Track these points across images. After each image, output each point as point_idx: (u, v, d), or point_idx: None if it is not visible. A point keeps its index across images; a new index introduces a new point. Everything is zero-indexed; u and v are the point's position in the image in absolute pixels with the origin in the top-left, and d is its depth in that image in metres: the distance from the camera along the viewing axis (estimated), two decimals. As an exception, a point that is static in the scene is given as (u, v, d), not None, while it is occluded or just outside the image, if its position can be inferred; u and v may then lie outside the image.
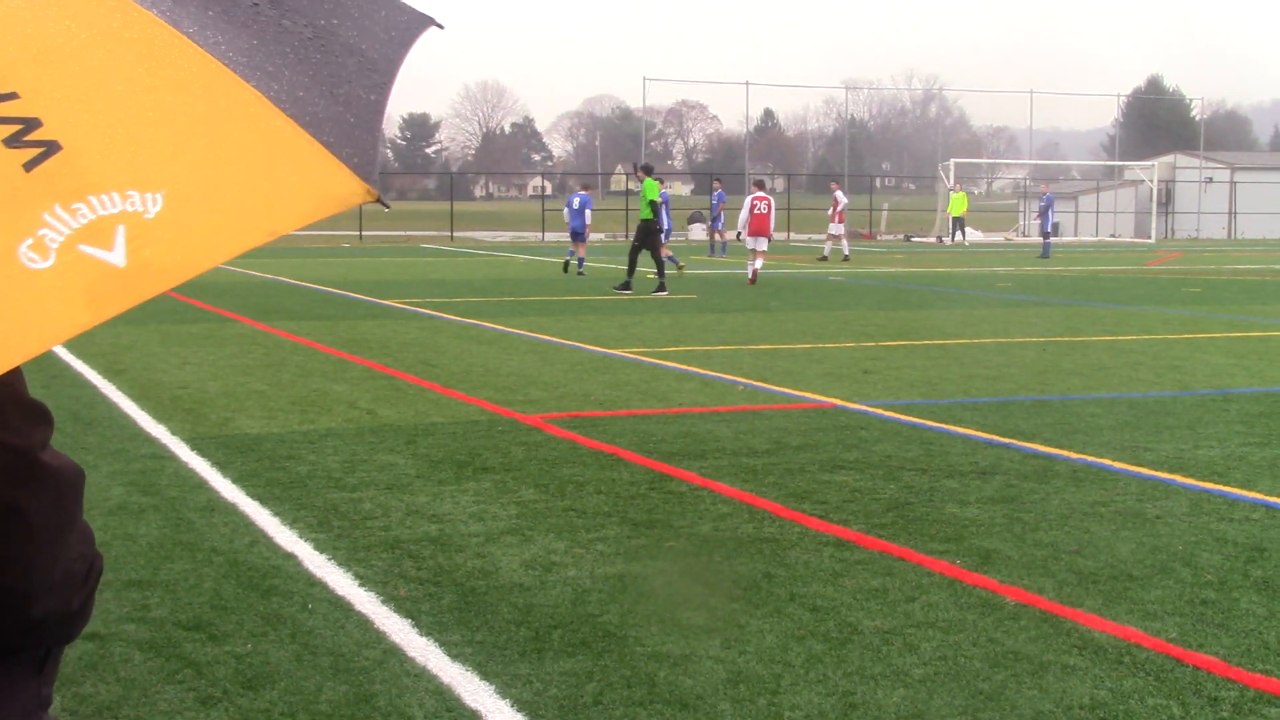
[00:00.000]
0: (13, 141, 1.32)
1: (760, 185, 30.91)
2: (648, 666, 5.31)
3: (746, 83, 65.09)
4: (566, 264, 31.61)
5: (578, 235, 30.85)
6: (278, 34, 1.52)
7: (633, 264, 26.07)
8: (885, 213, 67.00)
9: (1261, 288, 28.78)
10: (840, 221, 38.56)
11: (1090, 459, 9.31)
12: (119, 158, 1.35)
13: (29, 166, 1.32)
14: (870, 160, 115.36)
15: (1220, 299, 25.14)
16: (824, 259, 39.00)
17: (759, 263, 28.49)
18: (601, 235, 62.49)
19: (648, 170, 27.15)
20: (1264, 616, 5.97)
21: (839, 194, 38.52)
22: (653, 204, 25.97)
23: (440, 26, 1.66)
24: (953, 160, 67.07)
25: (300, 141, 1.42)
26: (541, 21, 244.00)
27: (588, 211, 31.01)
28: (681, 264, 30.45)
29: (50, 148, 1.33)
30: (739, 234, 30.59)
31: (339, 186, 1.41)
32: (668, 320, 19.87)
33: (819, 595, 6.24)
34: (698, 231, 61.25)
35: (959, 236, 57.73)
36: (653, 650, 5.49)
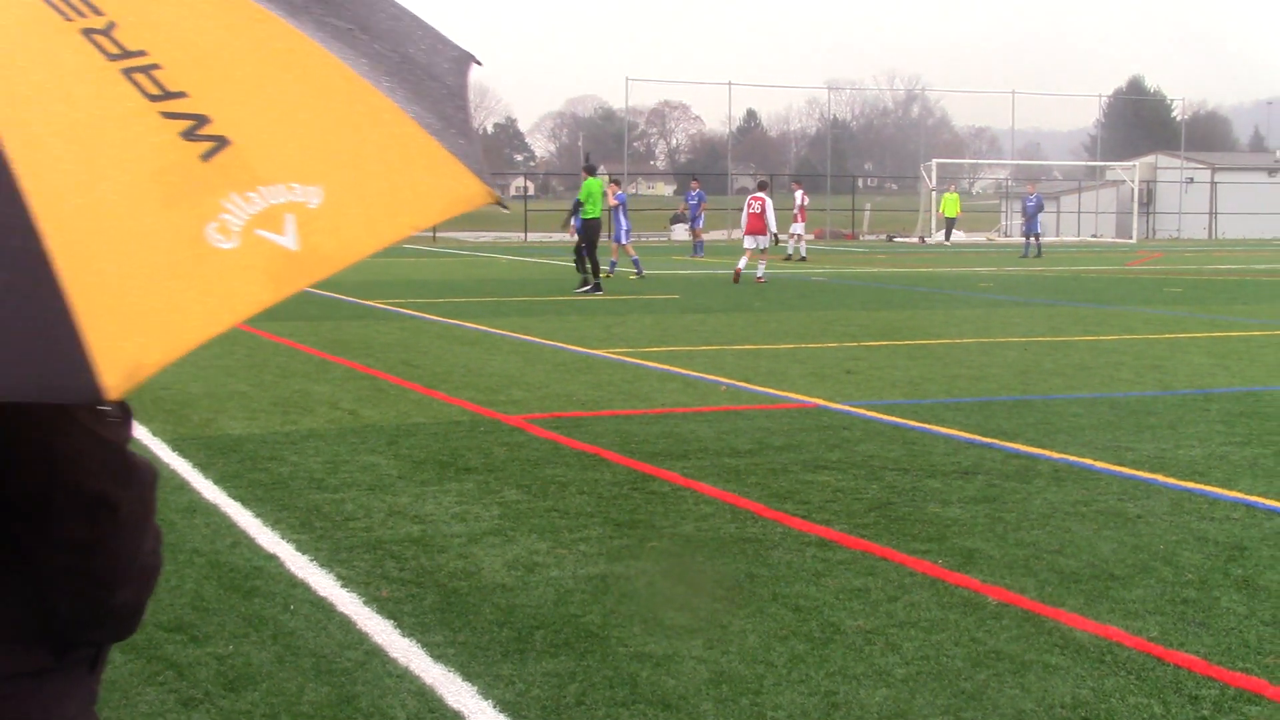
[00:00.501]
0: (189, 135, 1.44)
1: (761, 186, 31.45)
2: (630, 667, 5.31)
3: (729, 83, 65.11)
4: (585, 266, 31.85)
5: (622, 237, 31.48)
6: (375, 56, 1.65)
7: (585, 263, 26.18)
8: (868, 213, 67.09)
9: (1242, 288, 28.89)
10: (802, 220, 39.52)
11: (1072, 458, 9.34)
12: (280, 154, 1.47)
13: (205, 157, 1.43)
14: (853, 160, 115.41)
15: (1201, 299, 25.23)
16: (803, 259, 39.31)
17: (743, 261, 28.73)
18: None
19: (590, 170, 27.50)
20: (1244, 615, 5.99)
21: (799, 194, 39.67)
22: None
23: (479, 64, 1.78)
24: (935, 161, 67.20)
25: (431, 146, 1.55)
26: (524, 22, 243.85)
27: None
28: (643, 272, 30.50)
29: (221, 142, 1.44)
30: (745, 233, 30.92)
31: (465, 188, 1.55)
32: (650, 320, 19.88)
33: (801, 595, 6.25)
34: (680, 232, 61.28)
35: (947, 236, 57.70)
36: (635, 650, 5.50)
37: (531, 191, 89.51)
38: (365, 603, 6.11)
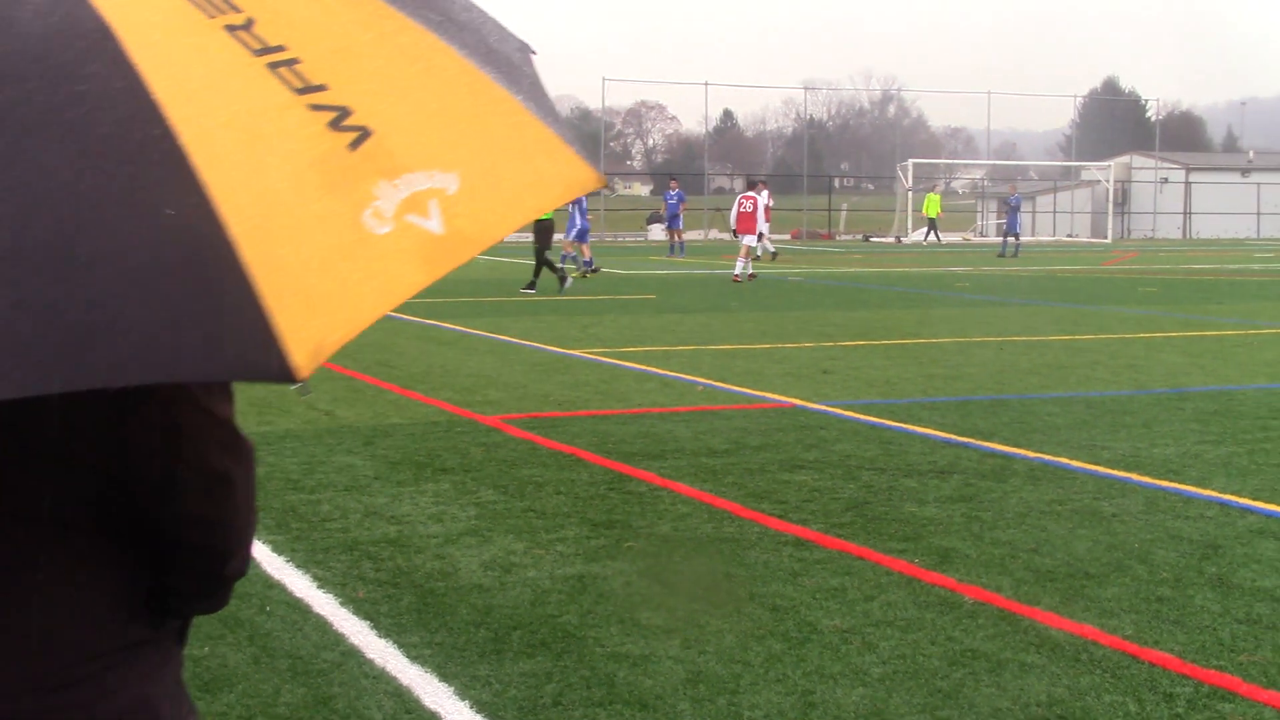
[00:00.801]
0: (335, 125, 1.50)
1: (751, 185, 32.39)
2: (607, 667, 5.31)
3: (705, 83, 65.10)
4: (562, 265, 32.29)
5: (581, 235, 31.96)
6: (471, 47, 1.71)
7: (545, 263, 26.27)
8: (844, 213, 67.23)
9: (1216, 287, 29.02)
10: (767, 220, 40.14)
11: (1047, 458, 9.37)
12: (417, 143, 1.54)
13: (353, 146, 1.50)
14: (829, 160, 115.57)
15: (1176, 298, 25.34)
16: (774, 255, 39.63)
17: (740, 262, 29.23)
18: (560, 235, 62.49)
19: None
20: (1218, 613, 6.02)
21: (764, 194, 40.32)
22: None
23: (535, 53, 1.84)
24: (911, 160, 67.38)
25: (544, 132, 1.63)
26: (500, 21, 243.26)
27: (578, 215, 32.21)
28: (597, 267, 30.67)
29: (364, 132, 1.51)
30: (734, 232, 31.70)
31: (579, 173, 1.63)
32: (627, 320, 19.88)
33: (778, 595, 6.25)
34: (656, 232, 61.28)
35: (931, 237, 57.77)
36: (612, 650, 5.49)
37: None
38: (342, 603, 6.09)
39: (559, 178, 1.62)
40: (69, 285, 1.35)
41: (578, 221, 28.97)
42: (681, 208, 44.12)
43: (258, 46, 1.56)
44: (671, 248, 43.53)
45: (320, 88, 1.54)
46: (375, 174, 1.48)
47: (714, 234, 60.35)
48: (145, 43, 1.52)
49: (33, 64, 1.47)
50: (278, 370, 1.37)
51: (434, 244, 1.49)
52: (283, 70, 1.54)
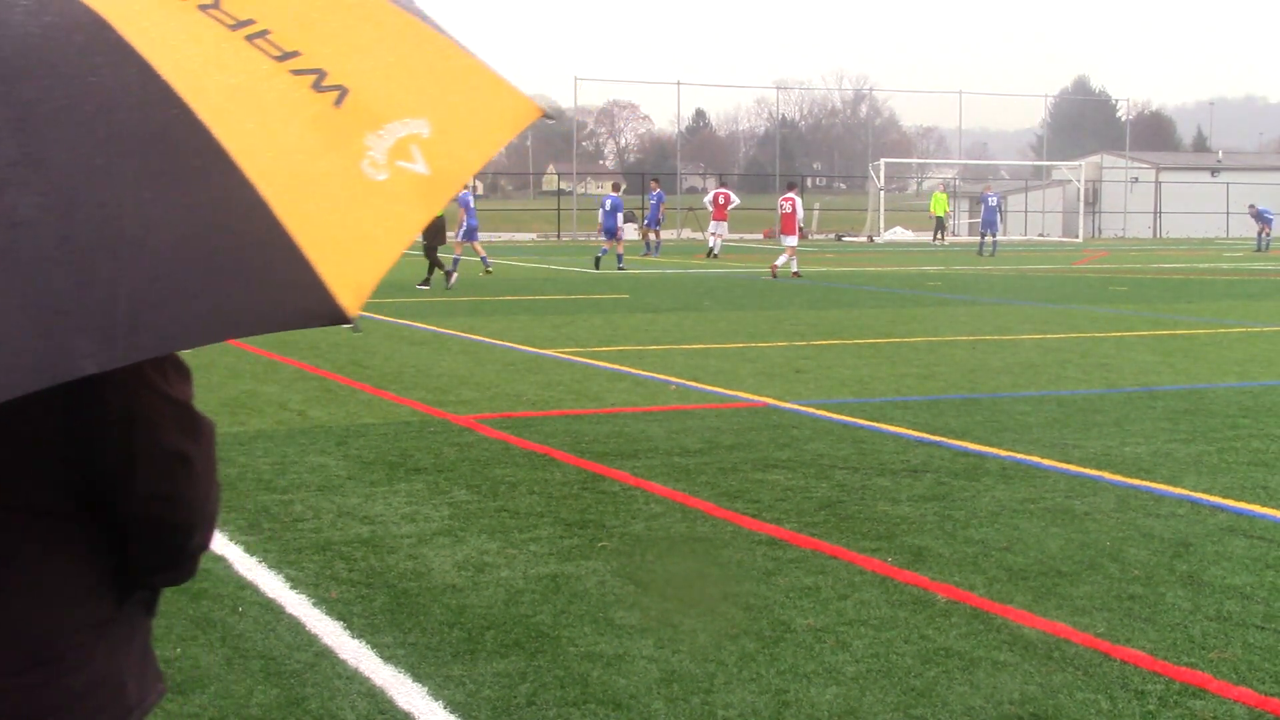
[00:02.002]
0: (318, 87, 1.62)
1: (791, 186, 34.01)
2: (581, 666, 5.31)
3: (678, 82, 65.16)
4: (598, 260, 34.38)
5: (610, 233, 34.94)
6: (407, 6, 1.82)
7: (435, 261, 26.95)
8: (816, 212, 67.29)
9: (1186, 286, 29.17)
10: (723, 219, 42.74)
11: (1020, 456, 9.40)
12: (387, 95, 1.66)
13: (337, 104, 1.62)
14: (801, 160, 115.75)
15: (1146, 297, 25.46)
16: (714, 256, 40.70)
17: (781, 259, 30.73)
18: (534, 235, 62.40)
19: None
20: (1189, 611, 6.05)
21: (721, 194, 42.99)
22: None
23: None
24: (883, 160, 67.52)
25: (491, 74, 1.76)
26: (471, 20, 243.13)
27: (619, 214, 35.23)
28: (490, 269, 31.08)
29: (342, 90, 1.63)
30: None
31: (524, 104, 1.75)
32: (600, 320, 19.87)
33: (752, 594, 6.26)
34: (629, 231, 61.21)
35: (940, 236, 57.36)
36: (586, 650, 5.49)
37: (480, 191, 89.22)
38: (314, 604, 6.08)
39: (510, 109, 1.74)
40: (125, 262, 1.44)
41: (464, 221, 29.70)
42: (661, 208, 44.47)
43: (231, 22, 1.65)
44: (648, 246, 43.64)
45: (295, 54, 1.64)
46: (362, 127, 1.60)
47: (686, 234, 60.38)
48: (140, 30, 1.60)
49: (39, 63, 1.54)
50: (331, 313, 1.49)
51: (425, 184, 1.61)
52: (259, 41, 1.64)
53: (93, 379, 1.50)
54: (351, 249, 1.54)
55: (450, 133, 1.67)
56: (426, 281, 26.34)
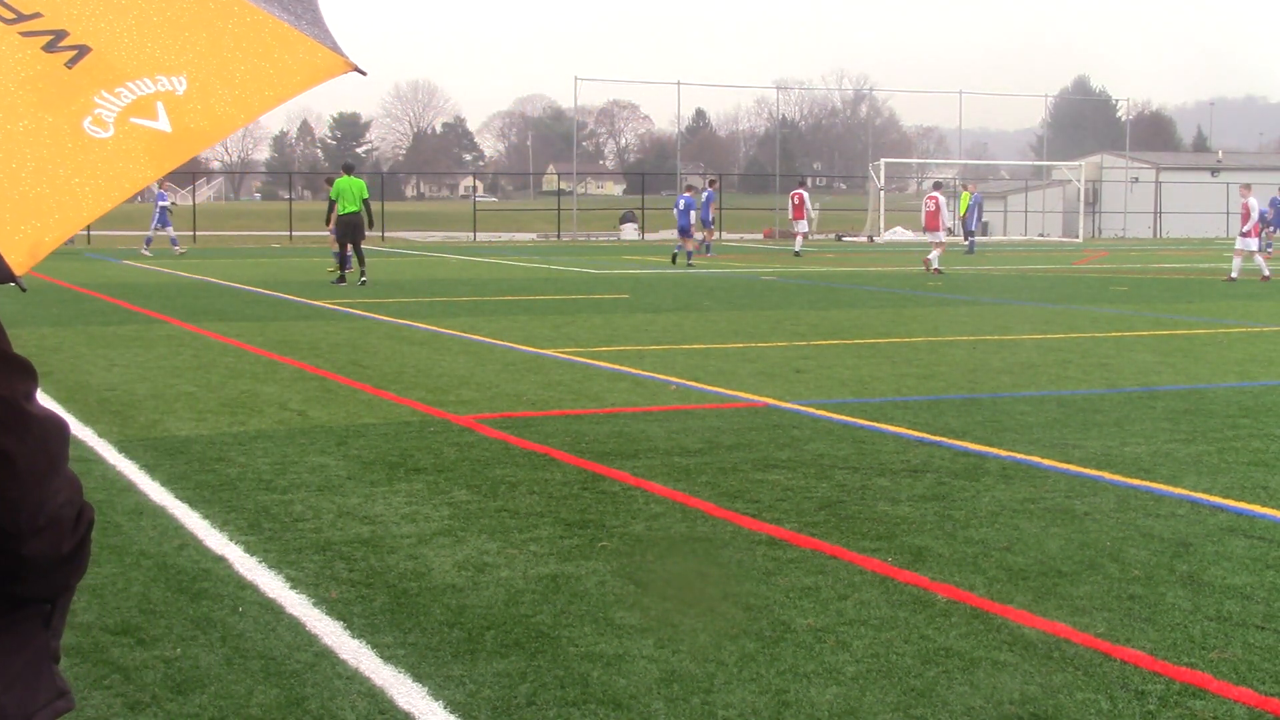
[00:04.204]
0: (50, 48, 1.64)
1: (936, 186, 37.13)
2: (581, 666, 5.31)
3: (678, 83, 65.09)
4: (674, 257, 37.11)
5: (684, 232, 36.87)
6: None
7: (345, 259, 27.89)
8: (816, 212, 67.28)
9: (1186, 286, 29.17)
10: (711, 220, 43.42)
11: (1020, 456, 9.40)
12: (141, 52, 1.68)
13: (70, 64, 1.63)
14: (801, 160, 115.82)
15: (1146, 297, 25.46)
16: (680, 255, 40.78)
17: (933, 254, 33.46)
18: (534, 235, 62.42)
19: (348, 169, 29.15)
20: (1189, 611, 6.05)
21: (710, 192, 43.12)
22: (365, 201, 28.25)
23: None
24: (883, 160, 67.47)
25: (283, 29, 1.77)
26: (473, 20, 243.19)
27: (692, 212, 37.40)
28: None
29: (82, 50, 1.65)
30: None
31: (323, 60, 1.77)
32: (600, 320, 19.87)
33: (752, 594, 6.26)
34: (629, 231, 61.26)
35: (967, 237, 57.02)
36: (586, 650, 5.49)
37: (481, 191, 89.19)
38: (314, 604, 6.07)
39: (300, 66, 1.75)
40: None
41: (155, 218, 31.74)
42: (712, 207, 44.13)
43: None
44: (707, 246, 43.31)
45: (34, 16, 1.67)
46: (94, 86, 1.63)
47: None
48: None
49: None
50: None
51: (162, 141, 1.62)
52: None
53: None
54: (36, 207, 1.54)
55: (214, 89, 1.68)
56: (342, 278, 27.33)
